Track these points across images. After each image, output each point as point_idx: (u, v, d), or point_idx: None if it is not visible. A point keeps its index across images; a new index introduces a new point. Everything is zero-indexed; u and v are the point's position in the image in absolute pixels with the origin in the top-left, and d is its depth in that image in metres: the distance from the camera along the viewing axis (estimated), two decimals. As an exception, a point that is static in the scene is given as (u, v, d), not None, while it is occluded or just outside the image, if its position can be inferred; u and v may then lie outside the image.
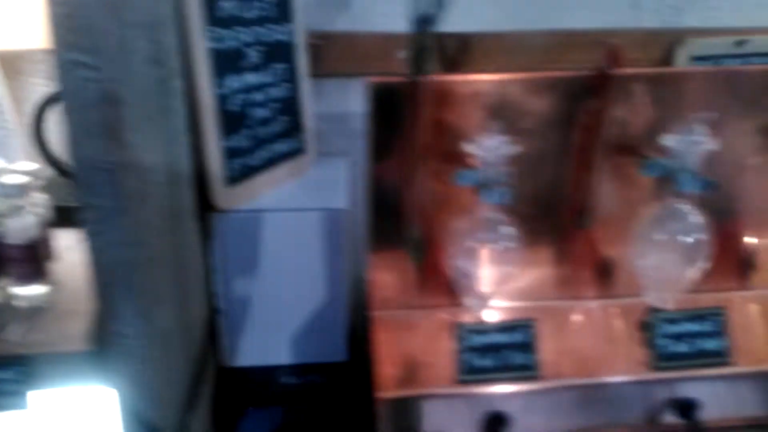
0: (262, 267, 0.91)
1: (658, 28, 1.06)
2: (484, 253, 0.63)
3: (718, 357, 0.65)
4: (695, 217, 0.64)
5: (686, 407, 0.64)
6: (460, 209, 0.64)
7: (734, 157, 0.71)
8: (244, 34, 0.85)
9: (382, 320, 0.72)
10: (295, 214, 0.89)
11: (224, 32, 0.81)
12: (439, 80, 0.63)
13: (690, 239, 0.63)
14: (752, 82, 0.67)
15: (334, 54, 1.01)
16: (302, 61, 0.96)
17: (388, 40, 1.02)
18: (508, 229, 0.63)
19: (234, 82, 0.84)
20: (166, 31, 0.69)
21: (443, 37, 1.03)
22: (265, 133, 0.91)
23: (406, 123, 0.63)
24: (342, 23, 1.01)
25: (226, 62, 0.82)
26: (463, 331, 0.62)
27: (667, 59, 1.06)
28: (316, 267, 0.88)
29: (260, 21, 0.87)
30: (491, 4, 1.03)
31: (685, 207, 0.64)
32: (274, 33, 0.90)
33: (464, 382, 0.62)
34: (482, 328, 0.63)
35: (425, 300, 0.72)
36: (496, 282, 0.64)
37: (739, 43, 1.06)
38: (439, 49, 1.03)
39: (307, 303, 0.92)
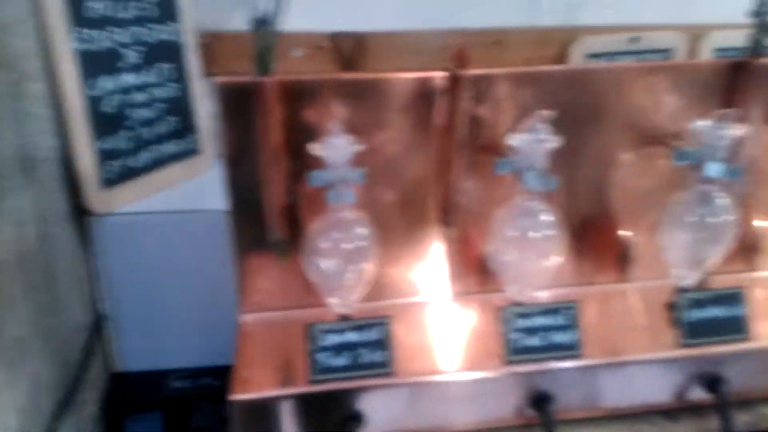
0: (148, 270, 0.89)
1: (554, 27, 1.07)
2: (343, 253, 0.63)
3: (571, 350, 0.66)
4: (547, 215, 0.65)
5: (541, 400, 0.65)
6: (321, 210, 0.64)
7: (594, 154, 0.73)
8: (119, 35, 0.83)
9: (249, 322, 0.72)
10: (180, 217, 0.88)
11: (94, 33, 0.79)
12: (287, 80, 0.62)
13: (539, 234, 0.64)
14: (600, 80, 0.68)
15: (228, 53, 1.00)
16: (192, 61, 0.95)
17: (282, 38, 1.01)
18: (363, 229, 0.63)
19: (108, 83, 0.83)
20: (18, 34, 0.68)
21: (338, 36, 1.03)
22: (150, 134, 0.90)
23: (257, 123, 0.62)
24: (235, 22, 1.00)
25: (98, 63, 0.80)
26: (316, 332, 0.62)
27: (562, 57, 1.08)
28: (205, 269, 0.87)
29: (139, 21, 0.86)
30: (386, 2, 1.03)
31: (537, 205, 0.65)
32: (157, 33, 0.89)
33: (317, 382, 0.62)
34: (335, 328, 0.63)
35: (293, 301, 0.72)
36: (356, 281, 0.65)
37: (633, 40, 1.08)
38: (334, 48, 1.03)
39: (196, 306, 0.91)
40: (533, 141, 0.63)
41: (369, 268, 0.65)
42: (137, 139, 0.88)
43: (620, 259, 0.80)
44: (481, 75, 0.66)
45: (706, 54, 1.11)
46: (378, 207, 0.70)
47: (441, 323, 0.72)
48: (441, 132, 0.68)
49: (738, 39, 1.07)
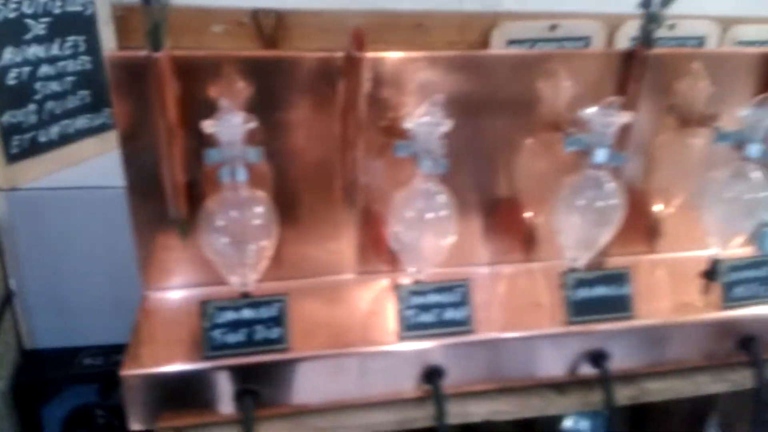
0: (58, 247, 0.89)
1: (476, 11, 1.09)
2: (239, 231, 0.64)
3: (463, 326, 0.69)
4: (441, 196, 0.67)
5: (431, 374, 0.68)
6: (216, 188, 0.64)
7: (497, 138, 0.75)
8: (25, 5, 0.81)
9: (151, 300, 0.72)
10: (90, 192, 0.87)
11: (-4, 2, 0.77)
12: (181, 56, 0.62)
13: (434, 215, 0.66)
14: (497, 66, 0.70)
15: (142, 27, 0.98)
16: (105, 34, 0.94)
17: (202, 13, 1.00)
18: (259, 208, 0.64)
19: (14, 55, 0.81)
20: None
21: (259, 13, 1.02)
22: (60, 109, 0.88)
23: (151, 99, 0.62)
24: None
25: (1, 34, 0.78)
26: (210, 309, 0.63)
27: (484, 42, 1.10)
28: (115, 246, 0.86)
29: (47, -9, 0.84)
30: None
31: (432, 187, 0.67)
32: (65, 4, 0.87)
33: (210, 359, 0.63)
34: (230, 305, 0.64)
35: (197, 279, 0.73)
36: (255, 260, 0.65)
37: (552, 28, 1.11)
38: (255, 25, 1.03)
39: (107, 283, 0.91)
40: (427, 125, 0.64)
41: (268, 246, 0.66)
42: (45, 113, 0.86)
43: (527, 240, 0.83)
44: (379, 57, 0.67)
45: (623, 43, 1.15)
46: (284, 186, 0.71)
47: (343, 301, 0.74)
48: (343, 112, 0.69)
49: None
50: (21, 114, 0.82)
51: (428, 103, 0.64)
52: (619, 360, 0.73)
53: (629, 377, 0.75)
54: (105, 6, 0.93)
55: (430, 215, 0.67)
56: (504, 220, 0.80)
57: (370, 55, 0.66)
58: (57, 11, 0.85)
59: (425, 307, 0.68)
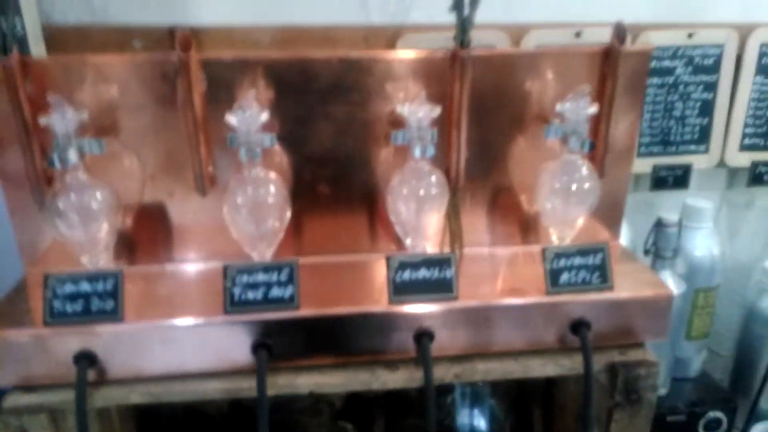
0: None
1: (381, 25, 1.16)
2: (81, 214, 0.73)
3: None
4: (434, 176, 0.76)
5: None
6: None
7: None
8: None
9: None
10: None
11: None
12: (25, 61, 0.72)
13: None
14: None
15: (71, 46, 1.10)
16: (36, 52, 1.06)
17: (123, 31, 1.11)
18: (98, 193, 0.73)
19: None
20: None
21: (175, 29, 1.13)
22: None
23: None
24: (77, 15, 1.09)
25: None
26: (52, 280, 0.72)
27: (389, 52, 1.16)
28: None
29: (-29, 13, 0.97)
30: (222, -1, 1.12)
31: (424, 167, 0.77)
32: (-6, 25, 0.99)
33: (49, 324, 0.72)
34: (70, 278, 0.72)
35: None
36: (93, 242, 0.74)
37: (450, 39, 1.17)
38: (172, 41, 1.13)
39: None
40: (246, 119, 0.72)
41: (105, 228, 0.74)
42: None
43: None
44: (208, 59, 0.75)
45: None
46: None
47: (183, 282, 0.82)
48: (182, 108, 0.76)
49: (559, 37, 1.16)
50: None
51: (245, 99, 0.72)
52: (447, 340, 0.77)
53: (459, 357, 0.79)
54: (35, 26, 1.05)
55: (422, 192, 0.75)
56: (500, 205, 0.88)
57: (198, 56, 0.74)
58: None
59: (252, 285, 0.74)
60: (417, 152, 0.76)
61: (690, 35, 1.22)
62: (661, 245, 1.12)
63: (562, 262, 0.79)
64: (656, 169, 1.29)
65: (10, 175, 0.78)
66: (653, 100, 1.25)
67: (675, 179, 1.30)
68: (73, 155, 0.70)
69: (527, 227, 0.89)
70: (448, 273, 0.77)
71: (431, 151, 0.76)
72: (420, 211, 0.78)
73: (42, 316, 0.72)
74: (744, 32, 1.23)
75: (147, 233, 0.83)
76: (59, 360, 0.73)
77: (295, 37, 1.15)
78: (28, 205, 0.79)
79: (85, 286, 0.73)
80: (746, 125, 1.30)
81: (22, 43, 1.03)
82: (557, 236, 0.83)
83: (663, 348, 1.12)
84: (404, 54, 0.81)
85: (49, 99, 0.70)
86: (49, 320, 0.72)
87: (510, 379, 0.79)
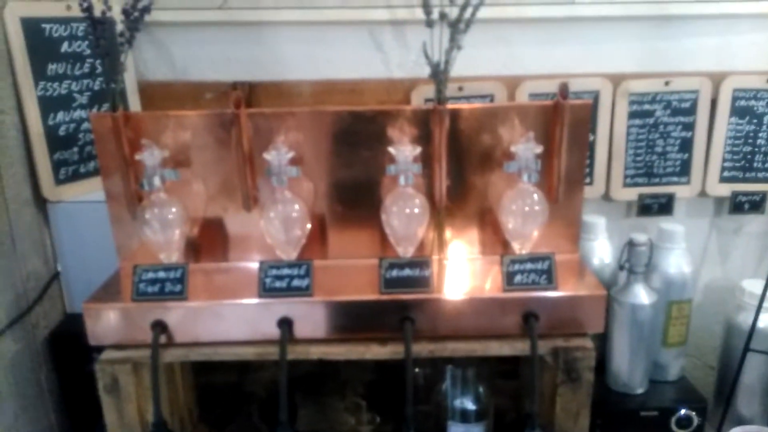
0: (91, 242, 1.31)
1: (400, 78, 1.43)
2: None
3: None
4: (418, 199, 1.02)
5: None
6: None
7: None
8: (73, 86, 1.28)
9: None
10: (108, 206, 1.30)
11: (54, 84, 1.24)
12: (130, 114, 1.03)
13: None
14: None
15: (158, 97, 1.42)
16: (132, 102, 1.39)
17: (198, 86, 1.43)
18: (174, 208, 1.02)
19: (63, 116, 1.27)
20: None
21: (236, 84, 1.44)
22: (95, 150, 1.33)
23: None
24: (162, 74, 1.42)
25: (56, 104, 1.25)
26: (138, 269, 1.01)
27: (407, 101, 1.43)
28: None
29: (90, 75, 1.31)
30: (273, 59, 1.42)
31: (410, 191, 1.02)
32: (102, 83, 1.33)
33: (135, 301, 1.01)
34: (150, 268, 1.01)
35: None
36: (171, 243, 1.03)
37: (460, 89, 1.42)
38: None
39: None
40: (278, 156, 1.00)
41: (177, 234, 1.04)
42: (85, 153, 1.31)
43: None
44: (253, 113, 1.04)
45: (524, 98, 1.42)
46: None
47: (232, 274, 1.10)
48: (236, 150, 1.05)
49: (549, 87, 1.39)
50: (68, 154, 1.27)
51: (276, 144, 1.00)
52: (425, 324, 1.01)
53: (434, 338, 1.02)
54: (132, 82, 1.39)
55: (407, 211, 1.02)
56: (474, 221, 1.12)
57: (248, 111, 1.03)
58: (96, 88, 1.32)
59: (279, 278, 1.01)
60: (402, 180, 1.01)
61: (667, 83, 1.42)
62: (633, 261, 1.31)
63: (516, 267, 1.01)
64: (641, 197, 1.48)
65: (113, 194, 1.09)
66: (636, 138, 1.45)
67: (659, 206, 1.48)
68: (157, 181, 1.00)
69: (495, 240, 1.12)
70: (427, 272, 1.01)
71: (411, 179, 1.00)
72: (406, 225, 1.03)
73: (130, 294, 1.01)
74: (717, 79, 1.41)
75: (208, 239, 1.12)
76: (141, 327, 1.02)
77: (329, 89, 1.43)
78: (124, 216, 1.09)
79: (161, 274, 1.02)
80: (725, 159, 1.47)
81: (123, 95, 1.36)
82: (517, 248, 1.06)
83: (639, 351, 1.30)
84: (398, 108, 1.08)
85: (143, 141, 1.00)
86: (135, 297, 1.01)
87: (473, 356, 1.02)
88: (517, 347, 1.01)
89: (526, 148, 1.00)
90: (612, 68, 1.43)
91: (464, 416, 1.20)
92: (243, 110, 1.03)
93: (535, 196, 1.02)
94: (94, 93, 1.32)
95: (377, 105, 1.43)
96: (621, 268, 1.33)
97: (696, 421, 1.33)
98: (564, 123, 1.03)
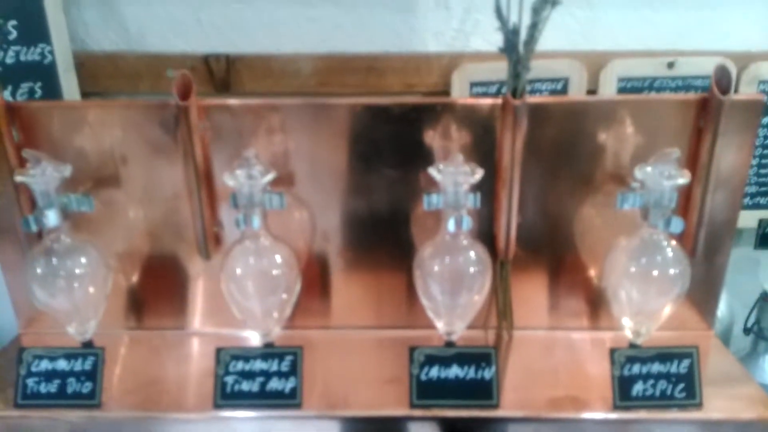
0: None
1: (435, 53, 1.02)
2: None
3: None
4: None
5: None
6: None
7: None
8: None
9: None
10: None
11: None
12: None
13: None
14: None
15: (103, 73, 1.03)
16: (66, 81, 0.99)
17: (157, 60, 1.04)
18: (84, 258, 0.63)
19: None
20: None
21: (210, 58, 1.04)
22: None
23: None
24: (110, 43, 1.03)
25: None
26: (28, 356, 0.63)
27: (445, 84, 1.03)
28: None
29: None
30: (259, 24, 1.02)
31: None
32: (19, 54, 0.94)
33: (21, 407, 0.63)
34: (46, 354, 0.63)
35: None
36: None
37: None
38: (207, 70, 1.04)
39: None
40: (247, 177, 0.60)
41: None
42: None
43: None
44: (211, 105, 0.64)
45: (611, 82, 1.02)
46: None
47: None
48: (186, 165, 0.66)
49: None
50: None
51: (245, 157, 0.60)
52: None
53: None
54: (65, 53, 0.99)
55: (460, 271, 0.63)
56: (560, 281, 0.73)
57: (201, 102, 0.63)
58: (10, 61, 0.93)
59: (247, 374, 0.63)
60: (451, 225, 0.61)
61: (815, 63, 1.01)
62: (765, 324, 0.92)
63: (636, 369, 0.62)
64: (762, 223, 1.08)
65: (2, 229, 0.71)
66: (763, 144, 1.05)
67: (787, 237, 1.09)
68: (52, 215, 0.61)
69: (594, 308, 0.72)
70: (488, 373, 0.62)
71: (467, 223, 0.61)
72: (454, 293, 0.63)
73: (13, 397, 0.63)
74: None
75: (144, 299, 0.74)
76: None
77: (338, 66, 1.03)
78: (20, 262, 0.71)
79: (62, 364, 0.64)
80: None
81: (50, 71, 0.97)
82: (632, 330, 0.66)
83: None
84: (442, 101, 0.68)
85: (24, 154, 0.61)
86: (20, 402, 0.63)
87: None
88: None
89: (659, 174, 0.60)
90: (735, 44, 1.02)
91: None
92: (194, 101, 0.63)
93: (670, 251, 0.62)
94: (5, 68, 0.93)
95: (404, 90, 1.03)
96: (746, 331, 0.95)
97: None
98: (717, 133, 0.62)
